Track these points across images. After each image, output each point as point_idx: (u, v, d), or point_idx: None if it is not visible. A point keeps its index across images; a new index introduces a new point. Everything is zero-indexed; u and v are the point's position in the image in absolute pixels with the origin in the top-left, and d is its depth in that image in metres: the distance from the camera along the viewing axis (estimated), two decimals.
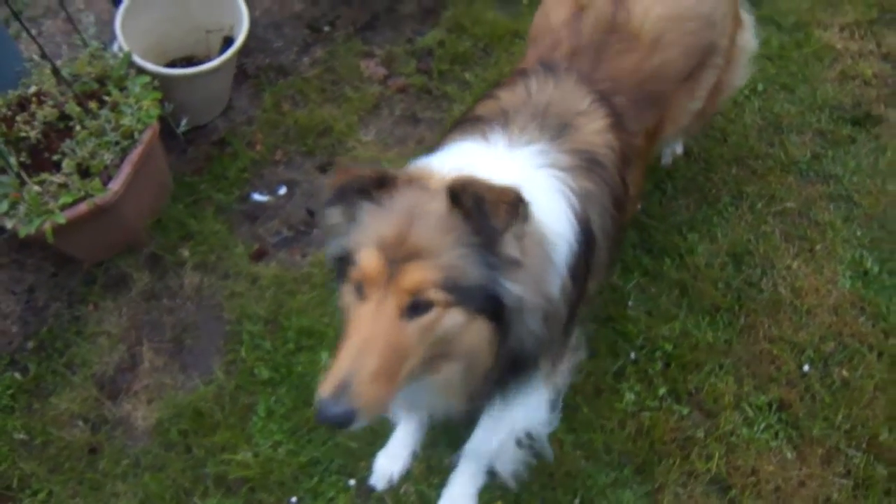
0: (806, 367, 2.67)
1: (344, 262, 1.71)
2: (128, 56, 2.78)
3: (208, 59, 3.00)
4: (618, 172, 2.10)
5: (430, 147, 2.95)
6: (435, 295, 1.60)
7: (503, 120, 2.01)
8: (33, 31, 3.20)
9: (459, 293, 1.62)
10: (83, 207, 2.64)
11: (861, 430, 2.57)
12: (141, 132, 2.72)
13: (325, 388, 1.54)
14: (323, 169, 3.08)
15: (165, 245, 2.96)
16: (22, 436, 2.67)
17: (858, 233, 2.93)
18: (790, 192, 3.03)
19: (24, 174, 2.64)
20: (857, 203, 3.00)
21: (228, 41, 3.02)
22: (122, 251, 2.95)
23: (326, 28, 3.35)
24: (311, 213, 3.00)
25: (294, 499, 2.52)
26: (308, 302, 2.83)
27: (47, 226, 2.59)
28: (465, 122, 2.12)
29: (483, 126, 2.02)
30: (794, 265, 2.85)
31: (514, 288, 1.67)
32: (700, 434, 2.55)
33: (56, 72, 2.80)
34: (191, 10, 3.05)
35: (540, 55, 2.22)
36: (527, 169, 1.91)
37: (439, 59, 3.30)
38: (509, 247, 1.64)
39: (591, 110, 2.06)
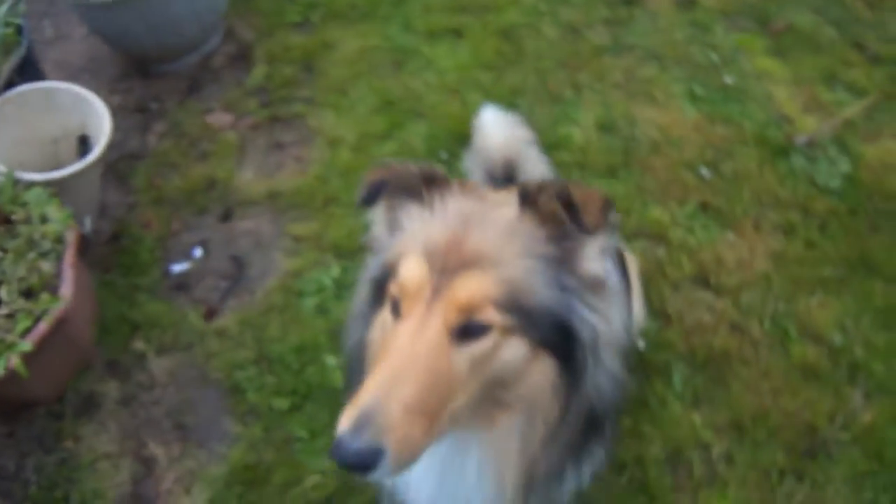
0: (704, 172, 3.76)
1: (381, 283, 1.66)
2: (11, 173, 3.16)
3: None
4: None
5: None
6: (493, 316, 1.49)
7: None
8: None
9: (522, 316, 1.52)
10: (43, 326, 2.87)
11: (764, 196, 3.68)
12: (65, 234, 3.12)
13: (345, 420, 1.43)
14: (224, 217, 3.61)
15: (116, 347, 3.28)
16: None
17: (676, 73, 4.13)
18: (614, 67, 4.16)
19: None
20: (663, 55, 4.20)
21: (84, 140, 3.49)
22: (75, 375, 3.23)
23: (154, 105, 3.92)
24: (235, 259, 3.53)
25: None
26: (285, 326, 3.33)
27: (15, 360, 2.84)
28: None
29: None
30: (650, 114, 3.95)
31: (591, 317, 1.59)
32: (662, 253, 3.51)
33: None
34: (34, 125, 3.44)
35: None
36: None
37: (273, 90, 4.01)
38: (593, 262, 1.59)
39: None
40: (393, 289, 1.59)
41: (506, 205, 1.64)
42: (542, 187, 1.57)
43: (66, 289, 3.01)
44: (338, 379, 3.22)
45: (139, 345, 3.32)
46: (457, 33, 4.28)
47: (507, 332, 1.51)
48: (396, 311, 1.57)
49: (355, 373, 1.78)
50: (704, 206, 3.66)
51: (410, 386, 1.43)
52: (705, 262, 3.50)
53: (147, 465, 3.12)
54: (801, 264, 3.54)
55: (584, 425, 1.70)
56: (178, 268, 3.51)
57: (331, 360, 3.26)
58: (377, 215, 1.76)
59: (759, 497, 3.08)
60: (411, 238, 1.61)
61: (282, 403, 3.19)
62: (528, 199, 1.58)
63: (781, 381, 3.28)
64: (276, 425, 3.15)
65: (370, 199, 1.69)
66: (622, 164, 3.75)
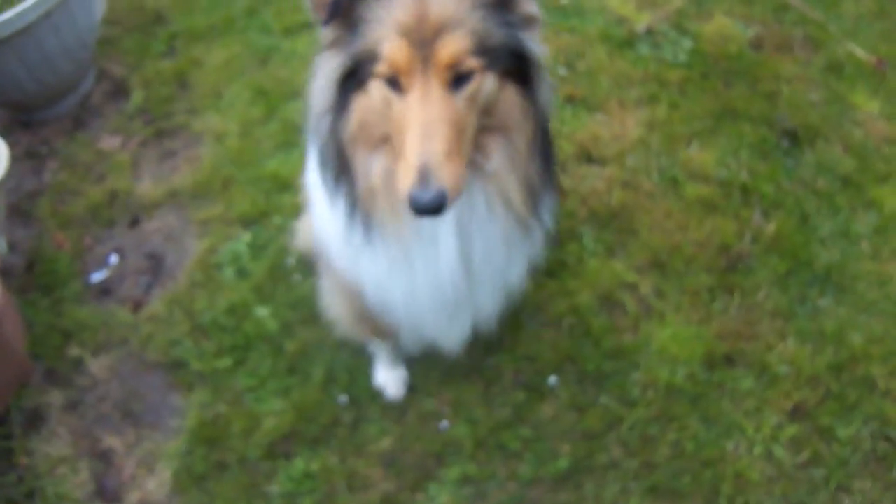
0: (562, 72, 3.84)
1: (359, 69, 1.83)
2: None
3: None
4: None
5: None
6: (472, 62, 1.74)
7: None
8: None
9: (489, 56, 1.77)
10: None
11: (621, 79, 3.80)
12: None
13: (409, 180, 1.68)
14: (132, 224, 3.48)
15: (52, 356, 3.09)
16: None
17: None
18: None
19: None
20: None
21: None
22: (15, 392, 3.00)
23: (43, 148, 3.79)
24: (151, 256, 3.38)
25: (343, 398, 2.92)
26: (211, 296, 3.20)
27: None
28: None
29: None
30: None
31: (533, 44, 1.85)
32: None
33: None
34: None
35: None
36: None
37: (154, 109, 3.92)
38: (526, 3, 1.83)
39: None
40: (381, 69, 1.77)
41: None
42: None
43: None
44: (273, 326, 3.09)
45: (74, 350, 3.13)
46: (311, 26, 4.26)
47: (482, 70, 1.77)
48: (397, 86, 1.77)
49: (335, 156, 1.97)
50: (570, 98, 3.71)
51: (442, 136, 1.70)
52: (583, 141, 3.52)
53: (105, 458, 2.92)
54: (672, 124, 3.61)
55: (543, 145, 1.98)
56: (98, 276, 3.34)
57: (262, 311, 3.13)
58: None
59: (696, 317, 3.05)
60: (382, 24, 1.76)
61: (225, 362, 3.05)
62: None
63: (683, 217, 3.28)
64: (224, 384, 3.01)
65: (335, 12, 1.79)
66: None
